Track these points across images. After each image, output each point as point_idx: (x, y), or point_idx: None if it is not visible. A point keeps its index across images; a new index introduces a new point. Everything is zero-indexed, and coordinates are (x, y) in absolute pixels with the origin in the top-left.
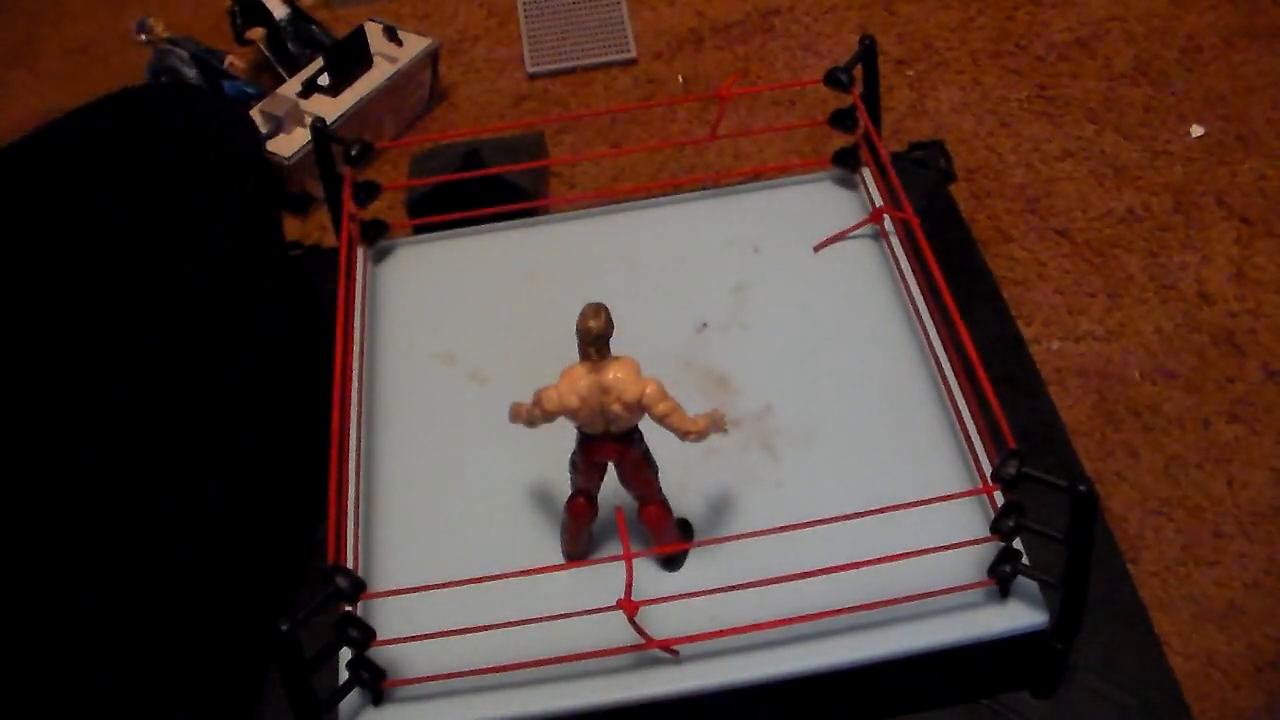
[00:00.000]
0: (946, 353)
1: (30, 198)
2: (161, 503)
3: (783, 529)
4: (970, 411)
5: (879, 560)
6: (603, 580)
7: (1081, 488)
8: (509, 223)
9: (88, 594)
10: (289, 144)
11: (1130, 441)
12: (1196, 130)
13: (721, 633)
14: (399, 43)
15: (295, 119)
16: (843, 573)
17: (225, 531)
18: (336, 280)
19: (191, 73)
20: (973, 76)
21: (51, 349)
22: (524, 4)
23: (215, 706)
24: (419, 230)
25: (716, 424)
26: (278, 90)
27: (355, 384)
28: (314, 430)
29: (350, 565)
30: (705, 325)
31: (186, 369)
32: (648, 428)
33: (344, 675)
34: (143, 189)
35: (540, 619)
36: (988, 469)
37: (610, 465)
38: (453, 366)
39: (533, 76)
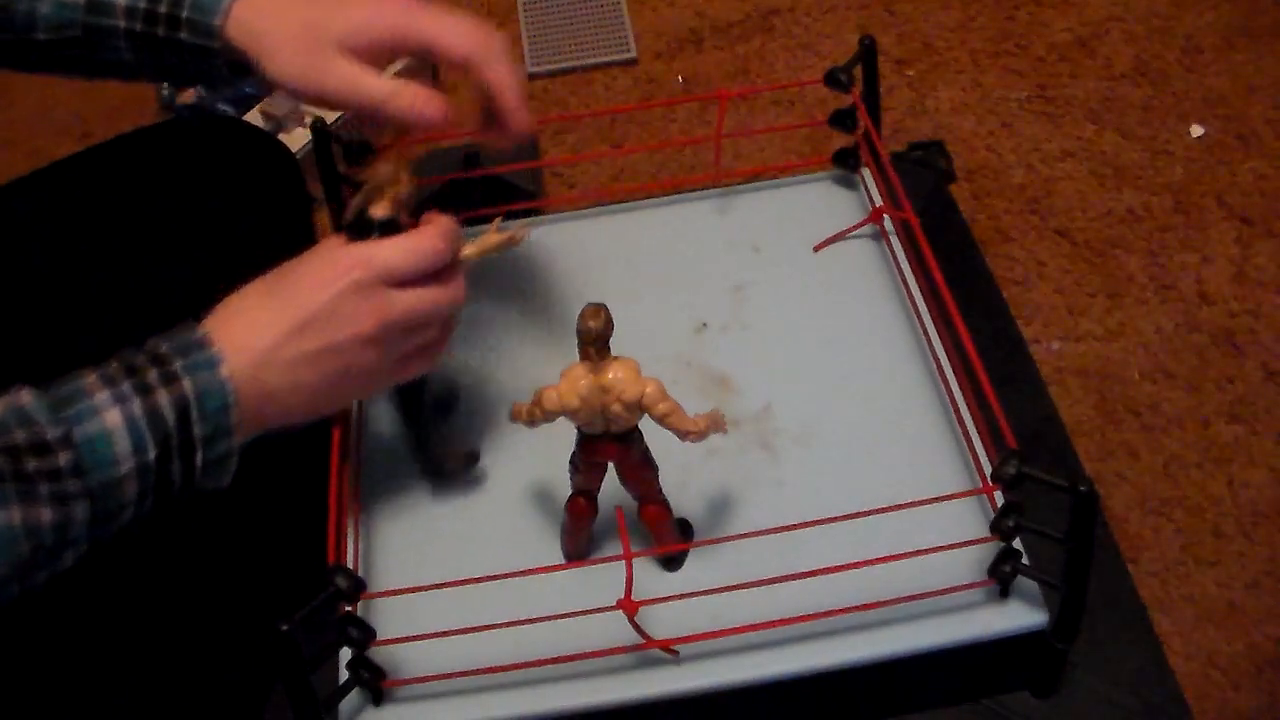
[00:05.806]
0: (946, 353)
1: (74, 213)
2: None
3: (783, 529)
4: (970, 411)
5: (879, 560)
6: (603, 580)
7: (1081, 488)
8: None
9: (99, 593)
10: (289, 144)
11: (1130, 441)
12: (1196, 130)
13: (721, 633)
14: None
15: (295, 119)
16: (843, 573)
17: (248, 534)
18: None
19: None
20: (973, 76)
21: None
22: (524, 4)
23: (226, 709)
24: None
25: (716, 424)
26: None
27: None
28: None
29: (350, 565)
30: (705, 325)
31: None
32: (648, 428)
33: (344, 675)
34: (189, 216)
35: (540, 619)
36: (988, 469)
37: (610, 465)
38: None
39: (533, 76)
